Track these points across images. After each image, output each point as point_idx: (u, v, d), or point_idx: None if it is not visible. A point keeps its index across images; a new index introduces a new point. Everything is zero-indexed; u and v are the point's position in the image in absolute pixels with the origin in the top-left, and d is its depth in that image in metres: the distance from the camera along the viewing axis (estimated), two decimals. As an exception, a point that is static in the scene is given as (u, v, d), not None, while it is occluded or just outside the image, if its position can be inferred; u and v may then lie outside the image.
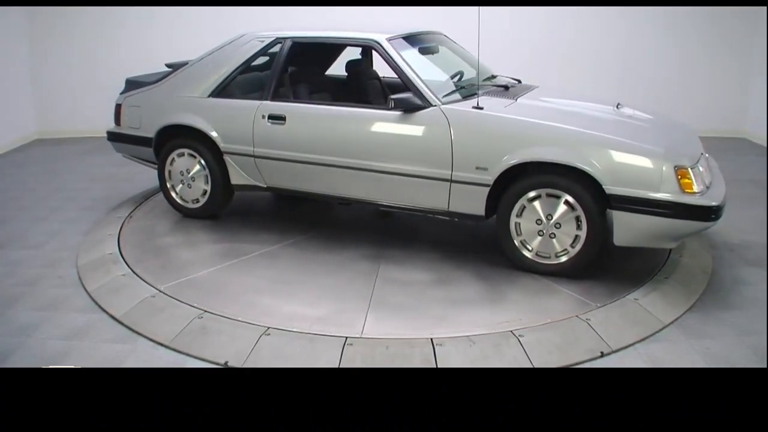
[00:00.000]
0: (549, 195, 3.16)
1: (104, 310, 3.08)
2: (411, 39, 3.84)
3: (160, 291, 3.20)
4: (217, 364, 2.62)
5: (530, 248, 3.28)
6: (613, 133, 3.14)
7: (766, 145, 6.31)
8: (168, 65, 4.39)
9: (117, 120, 4.43)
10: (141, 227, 4.16)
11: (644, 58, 6.90)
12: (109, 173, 5.60)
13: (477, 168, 3.23)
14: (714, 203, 2.94)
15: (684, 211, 2.92)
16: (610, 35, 6.89)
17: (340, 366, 2.56)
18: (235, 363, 2.61)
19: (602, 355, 2.64)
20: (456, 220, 3.44)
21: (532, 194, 3.18)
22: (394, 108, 3.35)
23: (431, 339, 2.69)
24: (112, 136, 4.51)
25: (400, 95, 3.34)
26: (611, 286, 3.16)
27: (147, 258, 3.64)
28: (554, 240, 3.21)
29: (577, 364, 2.59)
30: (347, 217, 4.30)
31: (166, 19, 6.96)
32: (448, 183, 3.31)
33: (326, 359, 2.59)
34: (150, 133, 4.19)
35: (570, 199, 3.11)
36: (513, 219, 3.26)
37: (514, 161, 3.14)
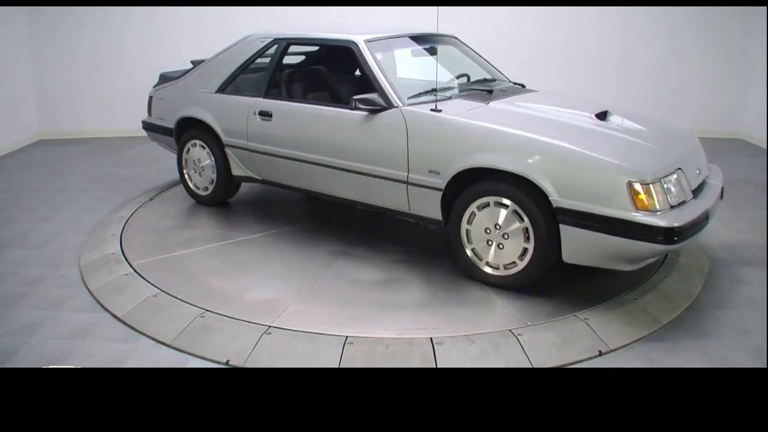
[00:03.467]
0: (498, 204, 3.03)
1: (106, 310, 3.10)
2: (405, 41, 3.90)
3: (133, 268, 3.49)
4: (219, 363, 2.64)
5: (480, 257, 3.18)
6: (572, 141, 2.90)
7: (765, 146, 6.33)
8: (192, 62, 4.71)
9: (149, 111, 4.87)
10: (148, 213, 4.49)
11: (642, 60, 6.93)
12: (112, 174, 5.63)
13: (429, 171, 3.18)
14: (674, 224, 2.64)
15: (634, 230, 2.66)
16: (608, 36, 6.92)
17: (341, 365, 2.58)
18: (237, 362, 2.63)
19: (600, 354, 2.66)
20: (420, 223, 3.42)
21: (480, 201, 3.07)
22: (356, 108, 3.38)
23: (431, 338, 2.71)
24: (145, 126, 4.97)
25: (363, 96, 3.37)
26: (556, 304, 3.00)
27: (139, 238, 3.97)
28: (503, 251, 3.08)
29: (575, 363, 2.61)
30: (342, 215, 4.32)
31: (169, 20, 7.00)
32: (405, 185, 3.30)
33: (327, 358, 2.62)
34: (171, 124, 4.57)
35: (517, 208, 2.96)
36: (464, 226, 3.16)
37: (462, 166, 3.05)
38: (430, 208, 3.27)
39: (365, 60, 3.52)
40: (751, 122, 6.73)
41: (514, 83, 4.11)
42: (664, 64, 6.90)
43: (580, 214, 2.77)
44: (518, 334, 2.73)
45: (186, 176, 4.60)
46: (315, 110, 3.73)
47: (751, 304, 3.11)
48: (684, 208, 2.81)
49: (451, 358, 2.60)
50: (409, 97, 3.38)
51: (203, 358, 2.69)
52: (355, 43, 3.60)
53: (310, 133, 3.70)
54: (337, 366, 2.58)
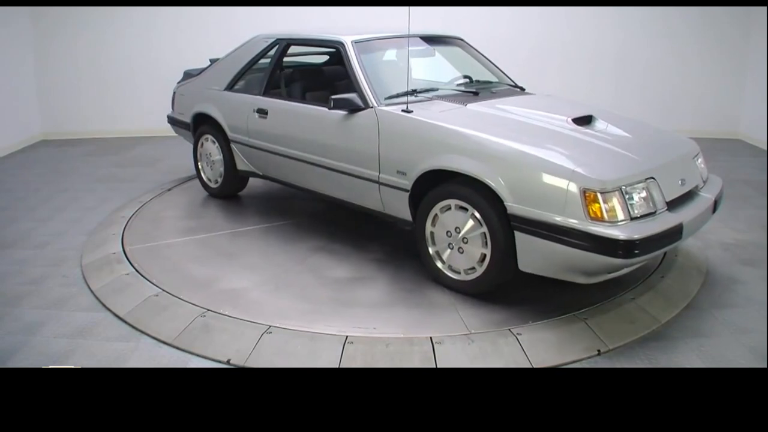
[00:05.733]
0: (459, 207, 2.97)
1: (108, 309, 3.12)
2: (400, 41, 3.88)
3: (126, 256, 3.63)
4: (220, 362, 2.66)
5: (443, 261, 3.14)
6: (532, 145, 2.78)
7: (765, 146, 6.34)
8: (210, 60, 4.93)
9: (172, 106, 5.11)
10: (161, 202, 4.73)
11: (640, 60, 6.94)
12: (113, 174, 5.66)
13: (398, 172, 3.19)
14: (634, 237, 2.47)
15: (588, 241, 2.51)
16: (607, 37, 6.93)
17: (341, 364, 2.60)
18: (238, 361, 2.65)
19: (599, 353, 2.67)
20: (397, 223, 3.42)
21: (443, 204, 3.03)
22: (334, 108, 3.40)
23: (430, 338, 2.73)
24: (169, 120, 5.20)
25: (340, 96, 3.39)
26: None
27: (140, 225, 4.18)
28: (463, 255, 3.02)
29: (574, 362, 2.63)
30: (341, 213, 4.33)
31: (170, 20, 7.02)
32: (378, 185, 3.32)
33: (327, 357, 2.63)
34: (188, 118, 4.77)
35: (475, 212, 2.89)
36: (428, 228, 3.14)
37: (425, 168, 3.03)
38: (401, 208, 3.28)
39: (349, 60, 3.55)
40: (748, 122, 6.74)
41: (516, 86, 4.05)
42: (662, 65, 6.91)
43: (532, 221, 2.66)
44: (517, 334, 2.75)
45: (200, 169, 4.80)
46: (302, 109, 3.82)
47: (750, 304, 3.12)
48: (650, 220, 2.63)
49: (451, 358, 2.62)
50: (387, 98, 3.38)
51: (204, 357, 2.70)
52: (342, 43, 3.63)
53: (298, 131, 3.79)
54: (337, 365, 2.59)
